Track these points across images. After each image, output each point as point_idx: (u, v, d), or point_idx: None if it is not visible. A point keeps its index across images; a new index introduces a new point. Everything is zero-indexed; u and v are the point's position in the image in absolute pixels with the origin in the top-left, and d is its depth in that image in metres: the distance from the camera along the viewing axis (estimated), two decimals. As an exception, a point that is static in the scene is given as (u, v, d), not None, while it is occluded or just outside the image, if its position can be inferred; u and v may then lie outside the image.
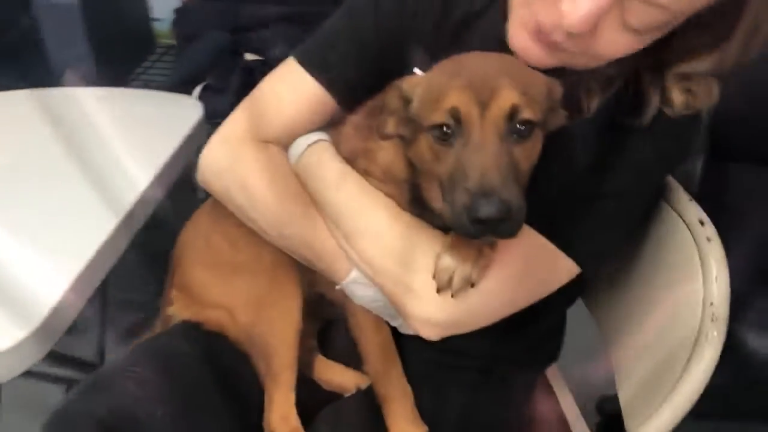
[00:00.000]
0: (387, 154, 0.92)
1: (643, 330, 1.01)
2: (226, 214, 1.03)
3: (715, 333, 0.87)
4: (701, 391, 0.87)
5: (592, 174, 0.86)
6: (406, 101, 0.82)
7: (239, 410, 1.01)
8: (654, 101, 0.84)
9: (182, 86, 1.64)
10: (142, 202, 1.24)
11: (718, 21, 0.78)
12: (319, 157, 0.97)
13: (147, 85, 1.99)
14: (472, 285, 0.82)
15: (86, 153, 1.38)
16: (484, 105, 0.73)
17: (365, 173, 0.94)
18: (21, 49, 1.91)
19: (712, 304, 0.88)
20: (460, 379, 1.07)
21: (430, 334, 0.88)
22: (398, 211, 0.90)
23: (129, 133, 1.43)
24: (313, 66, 1.00)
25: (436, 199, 0.85)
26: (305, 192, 0.97)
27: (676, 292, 0.95)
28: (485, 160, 0.71)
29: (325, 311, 1.12)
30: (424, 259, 0.85)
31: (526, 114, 0.74)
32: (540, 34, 0.80)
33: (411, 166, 0.88)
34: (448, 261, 0.82)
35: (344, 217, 0.92)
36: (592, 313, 1.20)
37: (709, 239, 0.92)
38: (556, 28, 0.78)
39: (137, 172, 1.30)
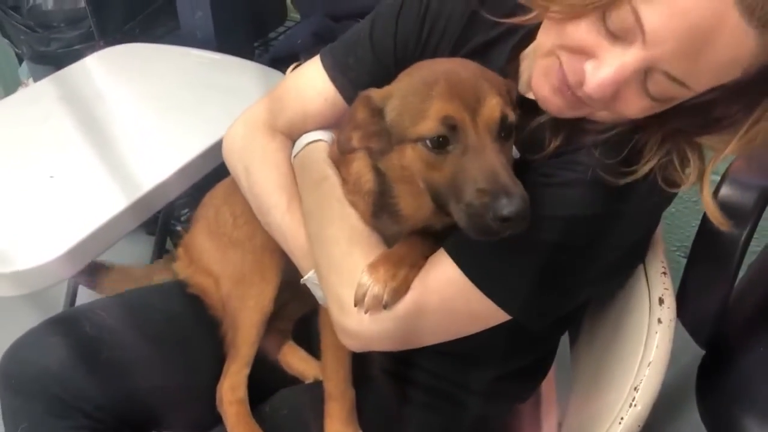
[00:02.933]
0: (358, 165, 0.95)
1: (583, 394, 0.97)
2: (239, 190, 1.12)
3: (630, 423, 0.82)
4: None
5: (539, 219, 0.83)
6: (377, 113, 0.84)
7: (202, 366, 1.11)
8: (650, 162, 0.79)
9: (281, 63, 1.74)
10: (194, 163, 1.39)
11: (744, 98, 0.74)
12: (311, 157, 1.02)
13: (262, 56, 2.13)
14: (385, 307, 0.85)
15: (163, 111, 1.56)
16: (473, 111, 0.75)
17: (343, 180, 0.98)
18: (164, 12, 2.14)
19: (635, 389, 0.83)
20: (421, 398, 1.09)
21: (349, 343, 0.92)
22: (351, 225, 0.93)
23: (212, 98, 1.60)
24: (331, 66, 1.05)
25: (409, 207, 0.88)
26: (295, 187, 1.03)
27: (618, 366, 0.90)
28: (491, 162, 0.74)
29: (307, 302, 1.17)
30: (354, 274, 0.87)
31: (512, 117, 0.77)
32: (563, 88, 0.80)
33: (379, 176, 0.90)
34: (364, 279, 0.85)
35: (310, 219, 0.97)
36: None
37: (660, 321, 0.86)
38: (579, 86, 0.77)
39: (198, 137, 1.43)
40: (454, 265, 0.85)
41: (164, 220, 2.00)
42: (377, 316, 0.86)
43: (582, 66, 0.76)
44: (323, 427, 1.02)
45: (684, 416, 1.24)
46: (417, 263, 0.88)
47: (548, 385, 1.29)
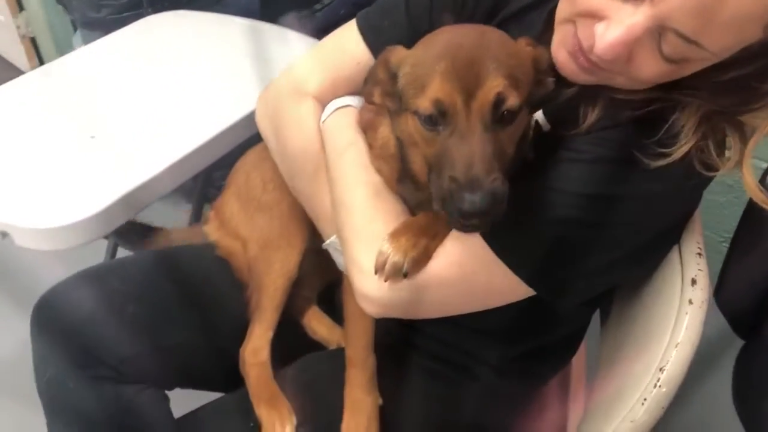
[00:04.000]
0: (384, 129, 0.94)
1: (609, 374, 0.94)
2: (269, 156, 1.12)
3: (653, 405, 0.79)
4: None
5: (568, 195, 0.81)
6: (393, 75, 0.83)
7: (222, 328, 1.12)
8: (687, 145, 0.76)
9: (325, 33, 1.73)
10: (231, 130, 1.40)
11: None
12: (339, 122, 1.01)
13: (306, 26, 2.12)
14: (405, 275, 0.83)
15: (204, 77, 1.57)
16: (469, 94, 0.73)
17: (369, 146, 0.97)
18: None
19: (661, 369, 0.80)
20: (441, 371, 1.08)
21: (367, 308, 0.91)
22: (377, 191, 0.92)
23: (252, 67, 1.59)
24: (366, 29, 1.03)
25: (421, 173, 0.86)
26: (322, 153, 1.02)
27: (646, 346, 0.87)
28: (471, 151, 0.72)
29: (334, 271, 1.17)
30: (376, 241, 0.86)
31: (512, 101, 0.73)
32: (577, 53, 0.79)
33: (399, 140, 0.89)
34: (385, 247, 0.84)
35: (335, 185, 0.96)
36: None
37: (690, 301, 0.83)
38: (592, 50, 0.76)
39: (236, 104, 1.44)
40: (478, 236, 0.84)
41: (202, 188, 2.02)
42: (397, 285, 0.85)
43: (593, 29, 0.74)
44: (344, 393, 1.01)
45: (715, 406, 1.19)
46: (439, 233, 0.86)
47: (578, 366, 1.27)
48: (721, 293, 1.17)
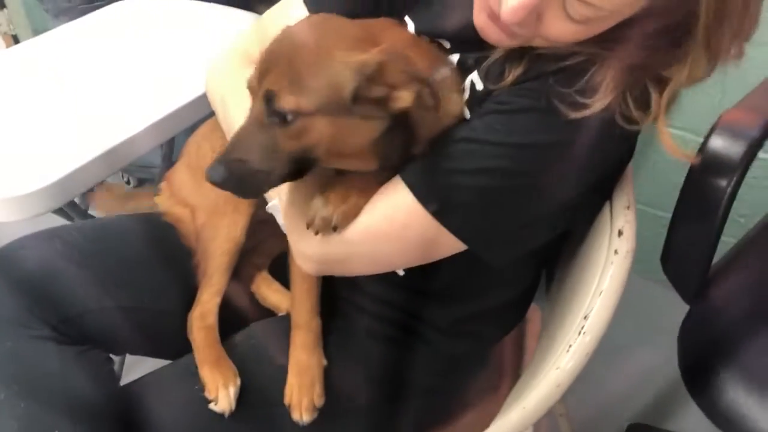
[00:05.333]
0: None
1: (546, 330, 0.95)
2: (220, 128, 1.13)
3: (578, 352, 0.81)
4: (555, 397, 0.82)
5: (492, 145, 0.82)
6: None
7: (173, 294, 1.13)
8: (607, 97, 0.77)
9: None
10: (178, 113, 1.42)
11: (678, 17, 0.73)
12: None
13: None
14: (335, 229, 0.85)
15: (166, 59, 1.60)
16: (258, 85, 0.79)
17: None
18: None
19: (585, 317, 0.81)
20: (387, 332, 1.09)
21: (303, 265, 0.93)
22: None
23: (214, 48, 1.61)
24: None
25: None
26: None
27: (575, 297, 0.88)
28: (238, 133, 0.79)
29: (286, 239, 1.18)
30: (307, 198, 0.88)
31: (284, 102, 0.76)
32: (493, 17, 0.80)
33: None
34: (317, 202, 0.85)
35: None
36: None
37: (616, 252, 0.84)
38: None
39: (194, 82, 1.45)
40: (407, 190, 0.85)
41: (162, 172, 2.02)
42: (329, 239, 0.86)
43: None
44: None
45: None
46: (368, 189, 0.88)
47: (532, 327, 1.28)
48: (667, 261, 1.19)
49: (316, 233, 0.85)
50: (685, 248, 1.17)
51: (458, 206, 0.84)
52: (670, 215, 1.15)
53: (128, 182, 2.78)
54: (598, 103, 0.77)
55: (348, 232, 0.86)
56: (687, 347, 1.19)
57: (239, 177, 0.77)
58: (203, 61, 1.49)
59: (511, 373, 1.25)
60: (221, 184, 0.77)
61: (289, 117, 0.76)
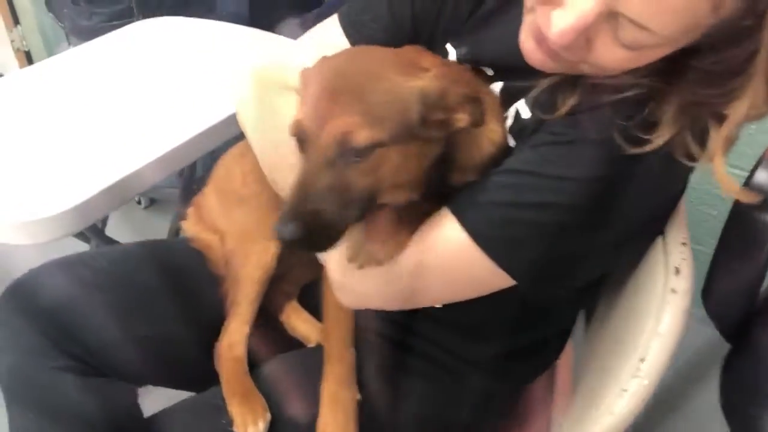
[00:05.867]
0: None
1: (596, 360, 0.92)
2: (250, 150, 1.10)
3: (634, 398, 0.77)
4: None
5: (546, 179, 0.79)
6: None
7: (199, 323, 1.09)
8: (668, 133, 0.75)
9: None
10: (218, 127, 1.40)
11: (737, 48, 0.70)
12: None
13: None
14: (380, 263, 0.81)
15: (189, 80, 1.58)
16: (320, 125, 0.73)
17: None
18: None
19: (642, 360, 0.77)
20: (422, 368, 1.05)
21: (342, 299, 0.90)
22: None
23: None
24: (347, 24, 1.02)
25: None
26: None
27: (628, 338, 0.84)
28: (305, 180, 0.73)
29: (316, 267, 1.15)
30: (352, 230, 0.84)
31: (361, 138, 0.71)
32: (540, 40, 0.78)
33: None
34: (360, 235, 0.82)
35: None
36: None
37: (674, 290, 0.80)
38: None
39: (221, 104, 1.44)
40: (456, 223, 0.82)
41: (184, 195, 2.00)
42: (372, 272, 0.83)
43: (550, 16, 0.73)
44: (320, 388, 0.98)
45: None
46: (414, 221, 0.84)
47: (564, 370, 1.24)
48: (709, 298, 1.16)
49: (360, 267, 0.82)
50: (729, 286, 1.13)
51: (509, 241, 0.80)
52: (701, 248, 1.11)
53: (139, 202, 2.76)
54: (660, 138, 0.74)
55: (393, 266, 0.82)
56: (728, 386, 1.15)
57: (314, 230, 0.71)
58: (224, 85, 1.51)
59: (542, 410, 1.21)
60: (296, 243, 0.71)
61: (364, 152, 0.72)
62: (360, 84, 0.74)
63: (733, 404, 1.13)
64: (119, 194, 1.23)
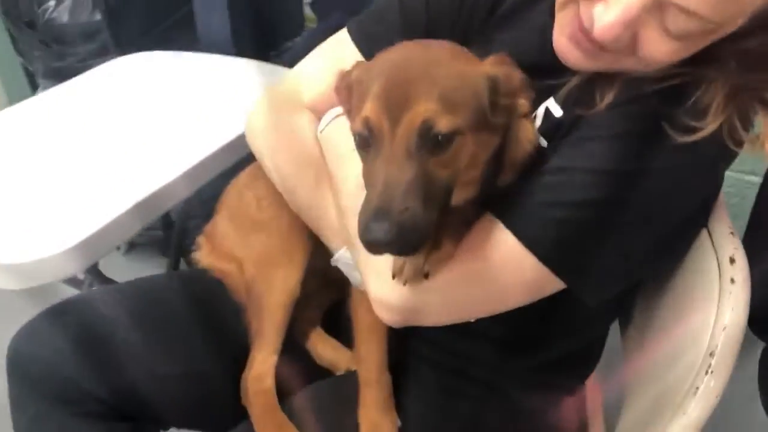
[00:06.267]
0: None
1: (653, 364, 0.89)
2: (263, 174, 1.06)
3: (707, 394, 0.74)
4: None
5: (593, 174, 0.76)
6: (350, 89, 0.79)
7: (223, 356, 1.03)
8: (718, 120, 0.73)
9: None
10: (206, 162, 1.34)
11: None
12: (338, 130, 0.96)
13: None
14: (426, 276, 0.77)
15: (176, 113, 1.52)
16: (395, 119, 0.69)
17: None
18: (181, 26, 2.11)
19: (711, 354, 0.75)
20: (461, 387, 1.01)
21: (386, 317, 0.84)
22: None
23: (228, 99, 1.55)
24: (360, 38, 1.00)
25: None
26: (322, 164, 0.97)
27: (688, 333, 0.81)
28: (387, 175, 0.68)
29: (339, 289, 1.10)
30: None
31: (442, 125, 0.68)
32: (579, 38, 0.76)
33: None
34: None
35: (341, 192, 0.91)
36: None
37: (732, 280, 0.78)
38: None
39: (213, 136, 1.39)
40: (504, 228, 0.79)
41: (178, 239, 1.94)
42: (418, 286, 0.79)
43: (593, 11, 0.72)
44: (358, 416, 0.93)
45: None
46: (459, 229, 0.81)
47: (593, 387, 1.21)
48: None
49: (405, 283, 0.78)
50: (758, 284, 1.12)
51: (560, 242, 0.77)
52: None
53: (118, 247, 2.67)
54: (710, 125, 0.73)
55: (440, 277, 0.79)
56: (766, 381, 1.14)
57: (404, 229, 0.66)
58: (209, 117, 1.46)
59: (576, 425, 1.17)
60: (389, 244, 0.66)
61: (445, 141, 0.69)
62: (430, 72, 0.71)
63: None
64: (111, 236, 1.15)
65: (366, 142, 0.72)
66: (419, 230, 0.67)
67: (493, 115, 0.73)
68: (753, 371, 1.25)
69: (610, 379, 1.09)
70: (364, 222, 0.66)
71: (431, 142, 0.69)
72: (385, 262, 0.80)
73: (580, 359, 1.06)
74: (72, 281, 1.52)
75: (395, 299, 0.81)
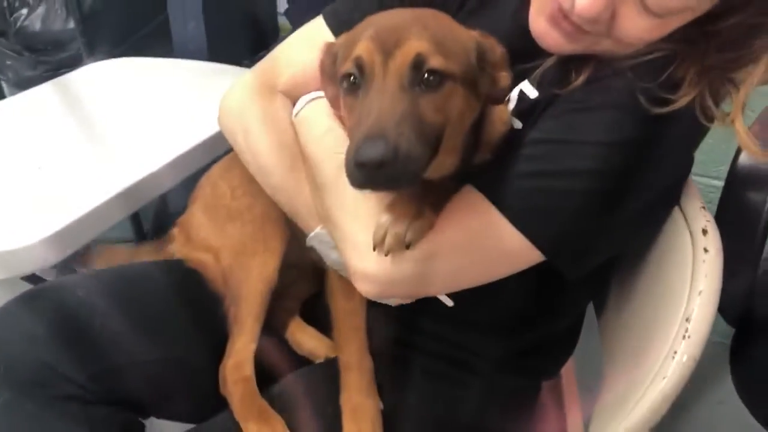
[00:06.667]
0: None
1: (631, 338, 0.90)
2: (237, 164, 1.06)
3: (685, 357, 0.75)
4: (662, 410, 0.76)
5: (573, 145, 0.78)
6: (334, 59, 0.81)
7: (202, 344, 1.03)
8: (690, 94, 0.75)
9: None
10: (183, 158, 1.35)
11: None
12: (314, 112, 0.97)
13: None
14: (408, 246, 0.78)
15: (154, 111, 1.53)
16: (388, 53, 0.70)
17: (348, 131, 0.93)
18: (156, 35, 2.11)
19: (688, 320, 0.76)
20: (443, 371, 1.01)
21: (367, 289, 0.84)
22: None
23: (204, 100, 1.55)
24: (336, 25, 1.01)
25: None
26: (297, 146, 0.97)
27: (664, 303, 0.83)
28: (381, 105, 0.68)
29: (316, 280, 1.10)
30: (371, 216, 0.81)
31: (434, 62, 0.70)
32: (558, 19, 0.78)
33: None
34: (384, 218, 0.78)
35: (318, 170, 0.91)
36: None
37: (706, 249, 0.80)
38: (573, 10, 0.75)
39: (189, 133, 1.40)
40: (483, 198, 0.79)
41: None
42: (399, 257, 0.79)
43: None
44: (341, 401, 0.93)
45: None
46: (439, 201, 0.82)
47: (568, 373, 1.22)
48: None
49: (387, 254, 0.78)
50: (726, 271, 1.15)
51: (537, 211, 0.79)
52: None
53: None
54: (683, 98, 0.75)
55: (422, 247, 0.79)
56: (739, 370, 1.15)
57: (396, 158, 0.64)
58: (184, 117, 1.46)
59: (555, 415, 1.18)
60: (385, 165, 0.64)
61: (436, 82, 0.70)
62: (422, 21, 0.73)
63: (747, 384, 1.13)
64: (82, 231, 1.15)
65: (355, 85, 0.73)
66: (414, 158, 0.67)
67: (479, 79, 0.75)
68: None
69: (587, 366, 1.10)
70: (357, 145, 0.65)
71: (424, 81, 0.70)
72: (365, 233, 0.80)
73: (558, 343, 1.07)
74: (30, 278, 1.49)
75: (377, 271, 0.81)
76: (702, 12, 0.74)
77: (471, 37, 0.76)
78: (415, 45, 0.70)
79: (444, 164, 0.80)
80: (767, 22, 0.73)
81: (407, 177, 0.67)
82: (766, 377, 1.11)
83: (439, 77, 0.71)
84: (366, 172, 0.65)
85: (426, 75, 0.70)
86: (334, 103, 0.88)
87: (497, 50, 0.77)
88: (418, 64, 0.70)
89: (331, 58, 0.81)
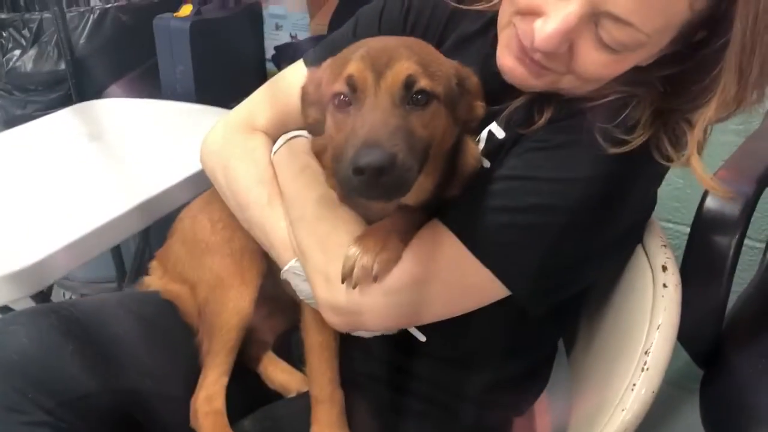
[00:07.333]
0: None
1: (596, 372, 0.92)
2: (216, 198, 1.08)
3: (644, 390, 0.76)
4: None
5: (535, 182, 0.81)
6: (318, 85, 0.84)
7: (173, 377, 1.03)
8: (645, 135, 0.79)
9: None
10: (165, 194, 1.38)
11: (708, 54, 0.77)
12: (292, 150, 1.00)
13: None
14: (375, 279, 0.80)
15: (141, 149, 1.57)
16: (379, 73, 0.74)
17: (323, 167, 0.96)
18: (144, 76, 2.16)
19: (647, 352, 0.78)
20: (413, 406, 1.01)
21: (335, 321, 0.86)
22: (334, 204, 0.90)
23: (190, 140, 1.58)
24: (312, 65, 1.04)
25: None
26: (275, 182, 0.99)
27: (626, 337, 0.85)
28: (375, 119, 0.71)
29: (290, 316, 1.11)
30: (341, 249, 0.83)
31: (423, 83, 0.74)
32: (521, 56, 0.82)
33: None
34: (352, 250, 0.81)
35: (293, 205, 0.93)
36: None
37: (665, 285, 0.82)
38: (533, 47, 0.78)
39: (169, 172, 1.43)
40: (449, 232, 0.82)
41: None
42: (367, 289, 0.81)
43: (533, 26, 0.77)
44: None
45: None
46: (407, 234, 0.84)
47: (540, 406, 1.22)
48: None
49: (354, 286, 0.80)
50: (695, 311, 1.15)
51: (502, 246, 0.81)
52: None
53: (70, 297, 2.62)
54: (638, 139, 0.78)
55: (389, 279, 0.81)
56: (710, 413, 1.16)
57: (397, 161, 0.67)
58: (167, 155, 1.49)
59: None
60: (382, 169, 0.66)
61: (423, 101, 0.74)
62: (411, 45, 0.78)
63: (716, 424, 1.13)
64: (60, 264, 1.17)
65: (345, 103, 0.76)
66: (408, 168, 0.70)
67: (458, 104, 0.80)
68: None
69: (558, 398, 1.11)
70: (354, 152, 0.68)
71: (413, 99, 0.74)
72: (334, 265, 0.82)
73: (529, 379, 1.08)
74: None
75: (344, 303, 0.83)
76: (657, 50, 0.78)
77: (451, 65, 0.81)
78: (405, 66, 0.74)
79: (422, 186, 0.83)
80: (721, 57, 0.76)
81: (401, 186, 0.70)
82: (732, 417, 1.12)
83: (426, 97, 0.75)
84: (363, 179, 0.67)
85: (415, 94, 0.74)
86: (314, 129, 0.91)
87: (473, 79, 0.83)
88: (409, 83, 0.74)
89: (314, 84, 0.85)
